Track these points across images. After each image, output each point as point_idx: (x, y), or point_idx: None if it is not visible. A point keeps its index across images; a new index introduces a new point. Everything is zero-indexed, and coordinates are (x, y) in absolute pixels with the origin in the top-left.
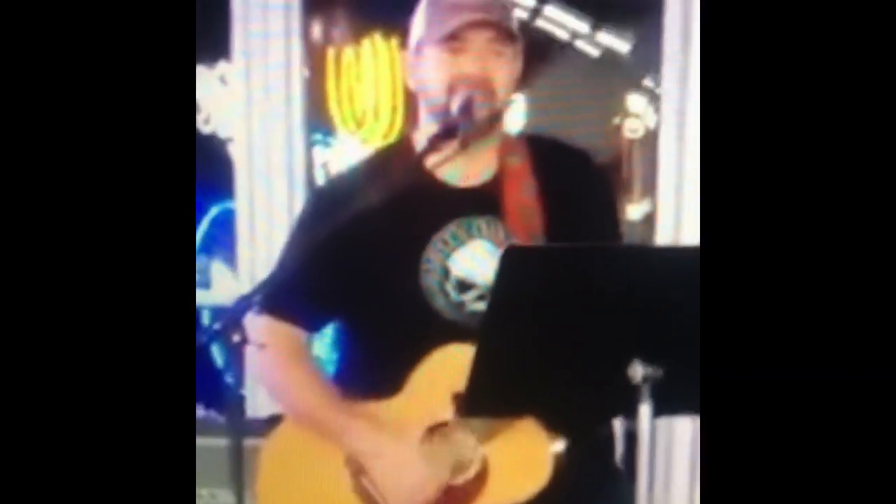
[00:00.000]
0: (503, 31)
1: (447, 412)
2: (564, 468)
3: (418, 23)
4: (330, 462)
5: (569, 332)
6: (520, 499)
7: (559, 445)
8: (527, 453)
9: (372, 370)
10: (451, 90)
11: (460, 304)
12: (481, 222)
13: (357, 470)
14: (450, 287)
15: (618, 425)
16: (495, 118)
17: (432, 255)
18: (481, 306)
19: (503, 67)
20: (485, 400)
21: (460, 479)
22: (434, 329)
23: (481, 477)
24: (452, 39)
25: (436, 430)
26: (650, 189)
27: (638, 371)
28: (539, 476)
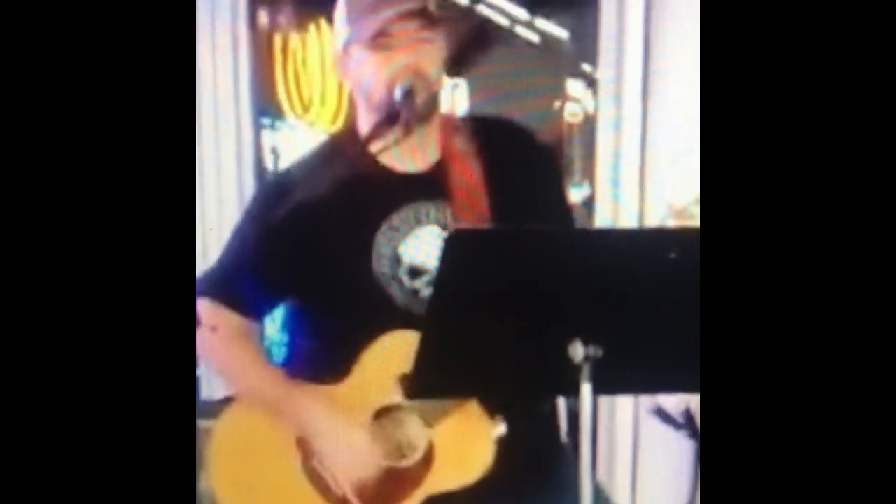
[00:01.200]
0: (426, 17)
1: (395, 395)
2: (508, 450)
3: (340, 22)
4: (280, 443)
5: (512, 314)
6: (463, 483)
7: (501, 430)
8: (471, 439)
9: (323, 355)
10: (388, 84)
11: (414, 292)
12: (430, 207)
13: (307, 451)
14: (402, 274)
15: (562, 404)
16: (433, 102)
17: (383, 242)
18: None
19: (433, 52)
20: (429, 382)
21: (407, 462)
22: (387, 316)
23: (427, 460)
24: (380, 36)
25: (384, 412)
26: (589, 172)
27: (578, 351)
28: (482, 462)
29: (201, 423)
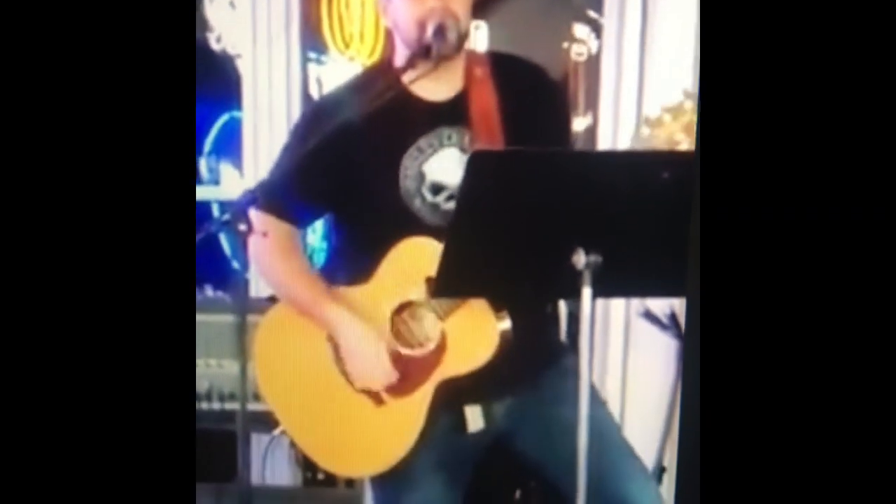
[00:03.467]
0: None
1: (413, 293)
2: (512, 342)
3: None
4: (315, 337)
5: (524, 225)
6: (472, 367)
7: (506, 323)
8: (479, 329)
9: (353, 260)
10: (421, 22)
11: (435, 206)
12: (451, 132)
13: (336, 347)
14: (425, 189)
15: (562, 307)
16: (462, 39)
17: (409, 161)
18: (451, 206)
19: None
20: (452, 283)
21: (423, 351)
22: (410, 226)
23: (440, 349)
24: None
25: (404, 308)
26: (592, 104)
27: (581, 258)
28: (488, 348)
29: (250, 319)
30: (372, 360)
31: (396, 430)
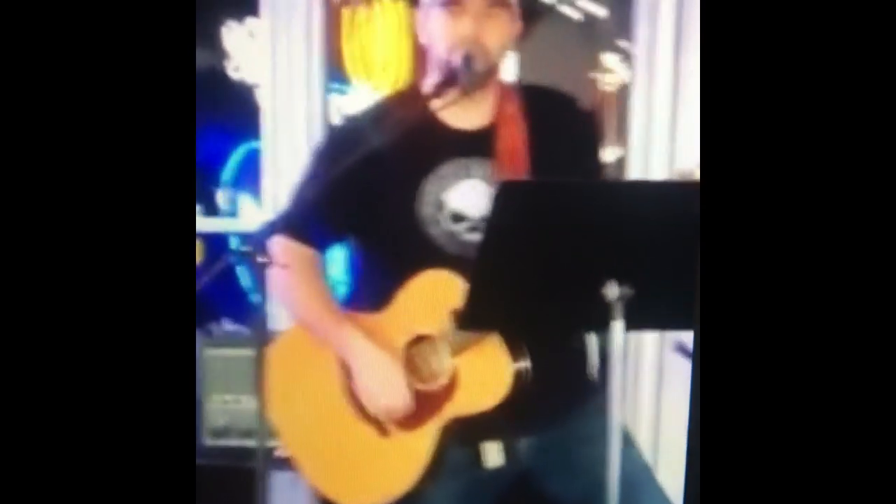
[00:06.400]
0: None
1: (428, 326)
2: (533, 382)
3: None
4: (325, 365)
5: (554, 257)
6: (482, 407)
7: (523, 363)
8: (491, 369)
9: (370, 286)
10: (451, 48)
11: (453, 234)
12: (475, 163)
13: (347, 373)
14: (444, 218)
15: (592, 342)
16: (491, 71)
17: (430, 188)
18: (472, 237)
19: (497, 28)
20: (479, 314)
21: (433, 386)
22: (427, 254)
23: (451, 386)
24: (453, 4)
25: (417, 341)
26: (622, 135)
27: (613, 290)
28: (500, 389)
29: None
30: (389, 386)
31: (400, 463)
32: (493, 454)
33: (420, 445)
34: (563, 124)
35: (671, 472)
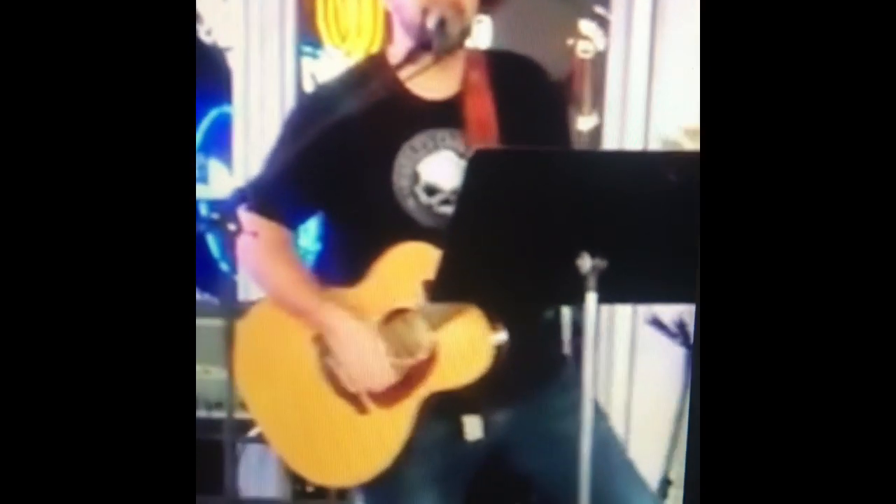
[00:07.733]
0: None
1: (405, 300)
2: (508, 355)
3: None
4: (298, 340)
5: (527, 228)
6: (463, 381)
7: (501, 336)
8: (471, 342)
9: (343, 261)
10: (424, 11)
11: (428, 207)
12: (447, 133)
13: (322, 348)
14: (419, 190)
15: (565, 316)
16: (463, 34)
17: (404, 159)
18: (445, 209)
19: None
20: (451, 287)
21: (412, 360)
22: (402, 227)
23: (431, 360)
24: None
25: (395, 315)
26: (598, 104)
27: (586, 262)
28: (481, 363)
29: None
30: (371, 362)
31: (378, 440)
32: (473, 427)
33: (399, 422)
34: (530, 93)
35: (643, 446)
